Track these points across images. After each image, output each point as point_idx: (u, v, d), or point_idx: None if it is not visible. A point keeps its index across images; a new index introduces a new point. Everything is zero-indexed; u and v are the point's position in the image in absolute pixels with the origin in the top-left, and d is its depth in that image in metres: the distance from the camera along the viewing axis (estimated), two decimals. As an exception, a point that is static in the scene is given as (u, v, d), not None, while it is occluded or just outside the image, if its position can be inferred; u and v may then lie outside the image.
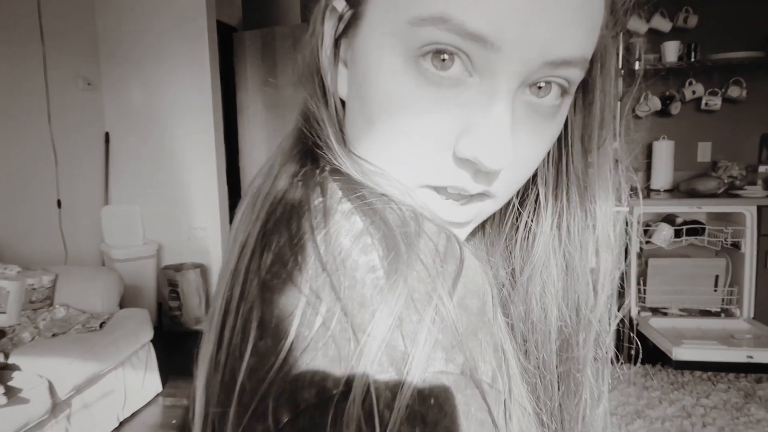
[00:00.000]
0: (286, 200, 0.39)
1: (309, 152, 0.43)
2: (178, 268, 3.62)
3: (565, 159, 0.48)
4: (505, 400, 0.35)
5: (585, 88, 0.45)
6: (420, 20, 0.35)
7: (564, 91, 0.40)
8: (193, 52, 3.67)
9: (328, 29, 0.43)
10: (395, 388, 0.31)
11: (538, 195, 0.49)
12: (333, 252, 0.34)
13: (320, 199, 0.38)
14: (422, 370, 0.31)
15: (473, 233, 0.53)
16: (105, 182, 3.76)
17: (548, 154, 0.47)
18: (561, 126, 0.42)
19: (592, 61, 0.42)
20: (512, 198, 0.48)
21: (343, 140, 0.44)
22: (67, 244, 3.32)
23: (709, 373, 2.81)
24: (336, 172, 0.41)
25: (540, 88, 0.38)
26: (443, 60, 0.36)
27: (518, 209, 0.50)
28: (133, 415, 2.60)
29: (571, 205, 0.48)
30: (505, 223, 0.52)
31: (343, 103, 0.45)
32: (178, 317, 3.57)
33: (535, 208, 0.49)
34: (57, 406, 2.11)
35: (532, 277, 0.49)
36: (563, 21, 0.35)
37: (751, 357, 2.55)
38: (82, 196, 3.52)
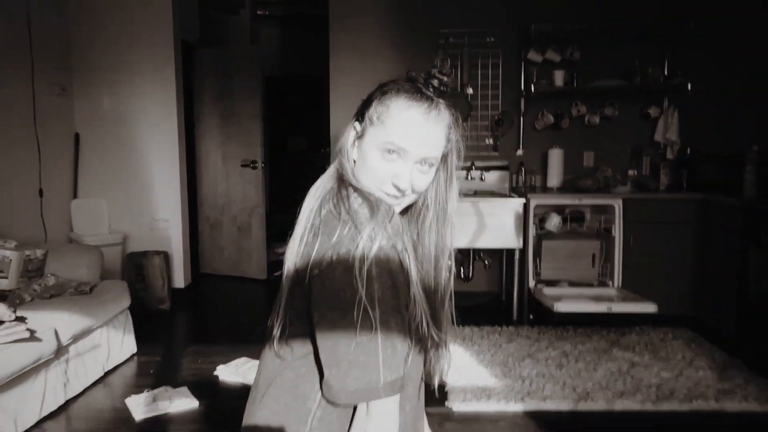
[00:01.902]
0: (331, 191, 1.02)
1: (340, 177, 1.06)
2: (143, 254, 4.06)
3: (435, 186, 1.10)
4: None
5: (444, 160, 1.09)
6: (384, 141, 1.01)
7: (432, 164, 1.04)
8: (158, 63, 4.18)
9: (352, 136, 1.07)
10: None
11: (426, 199, 1.11)
12: (350, 209, 0.96)
13: (345, 192, 1.01)
14: (378, 245, 0.93)
15: (402, 213, 1.14)
16: (74, 178, 4.16)
17: (431, 183, 1.09)
18: (433, 175, 1.06)
19: (445, 154, 1.08)
20: (417, 199, 1.10)
21: (353, 175, 1.06)
22: (47, 230, 3.72)
23: (586, 328, 3.56)
24: (350, 185, 1.03)
25: (423, 164, 1.03)
26: (390, 152, 1.01)
27: (420, 204, 1.12)
28: (115, 368, 3.05)
29: (439, 205, 1.10)
30: (414, 210, 1.14)
31: (355, 162, 1.08)
32: (143, 298, 4.00)
33: (425, 204, 1.12)
34: (60, 350, 2.56)
35: (422, 235, 1.11)
36: (431, 143, 1.02)
37: (610, 308, 3.31)
38: (58, 188, 3.92)
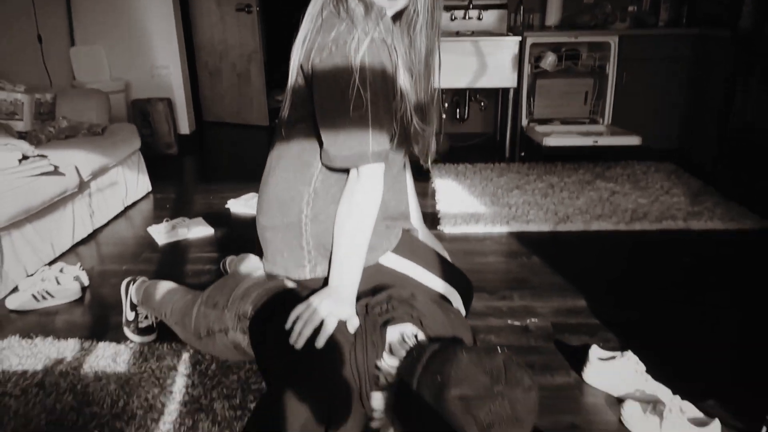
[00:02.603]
0: None
1: None
2: (147, 101, 4.16)
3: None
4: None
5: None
6: None
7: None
8: None
9: None
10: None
11: (417, 5, 1.17)
12: (348, 8, 1.07)
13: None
14: (371, 38, 1.05)
15: (394, 19, 1.20)
16: (69, 24, 4.14)
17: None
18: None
19: None
20: (408, 5, 1.16)
21: None
22: (51, 77, 3.79)
23: (574, 163, 3.75)
24: None
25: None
26: None
27: (411, 11, 1.19)
28: (134, 204, 3.30)
29: (428, 12, 1.18)
30: (405, 17, 1.20)
31: None
32: (151, 144, 4.17)
33: (416, 10, 1.18)
34: (82, 185, 2.77)
35: (413, 38, 1.20)
36: None
37: (596, 141, 3.48)
38: (56, 35, 3.93)
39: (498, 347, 0.94)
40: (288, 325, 1.09)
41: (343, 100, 1.05)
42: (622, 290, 2.25)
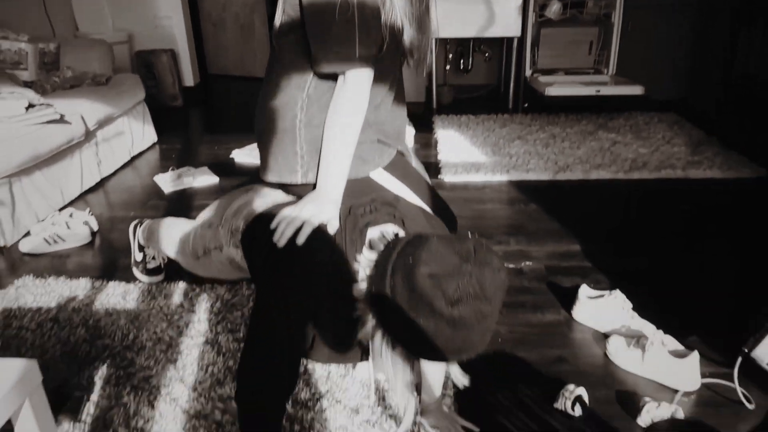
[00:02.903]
0: None
1: None
2: (151, 52, 4.16)
3: None
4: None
5: None
6: None
7: None
8: None
9: None
10: None
11: None
12: None
13: None
14: None
15: None
16: (69, -27, 4.10)
17: None
18: None
19: None
20: None
21: None
22: (54, 28, 3.79)
23: (576, 114, 3.75)
24: None
25: None
26: None
27: None
28: (140, 154, 3.36)
29: None
30: None
31: None
32: (155, 95, 4.19)
33: None
34: (88, 135, 2.82)
35: None
36: None
37: (599, 90, 3.47)
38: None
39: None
40: (273, 226, 1.13)
41: (328, 4, 1.08)
42: (618, 237, 2.30)
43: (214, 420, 1.37)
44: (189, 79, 4.56)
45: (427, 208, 1.43)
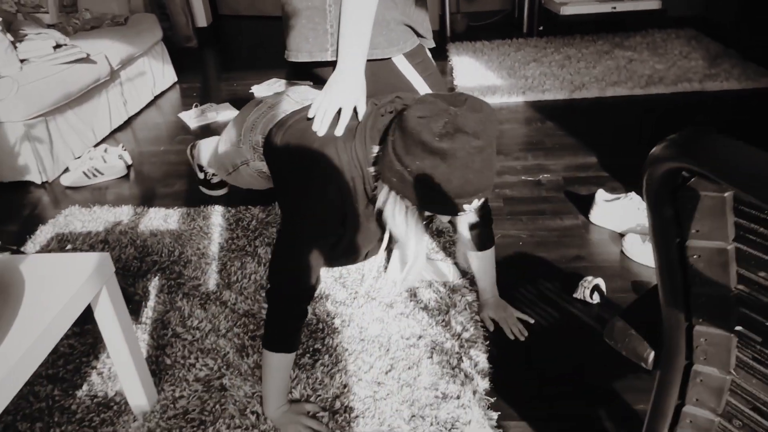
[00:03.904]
0: None
1: None
2: (163, -8, 4.16)
3: None
4: None
5: None
6: None
7: None
8: None
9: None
10: None
11: None
12: None
13: None
14: None
15: None
16: None
17: None
18: None
19: None
20: None
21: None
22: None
23: (592, 34, 3.73)
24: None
25: None
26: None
27: None
28: (162, 93, 3.43)
29: None
30: None
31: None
32: (171, 37, 4.22)
33: None
34: (113, 74, 2.90)
35: None
36: None
37: (615, 8, 3.44)
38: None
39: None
40: (310, 115, 1.21)
41: None
42: (634, 149, 2.36)
43: (261, 317, 1.51)
44: (201, 20, 4.57)
45: None
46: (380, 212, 1.12)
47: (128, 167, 2.47)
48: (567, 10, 3.47)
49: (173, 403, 1.27)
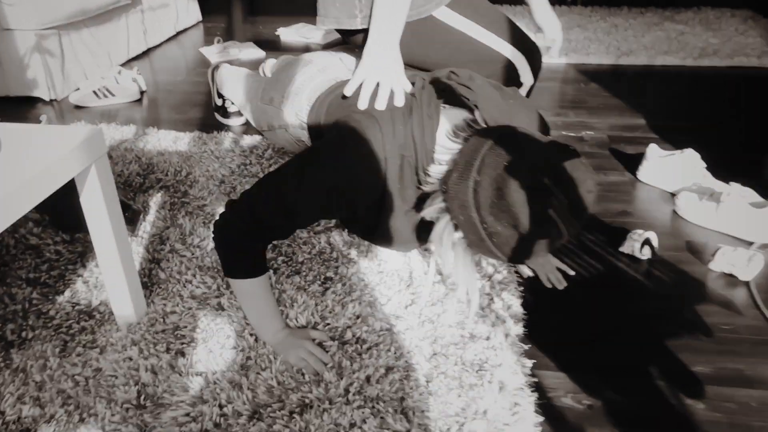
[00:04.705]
0: None
1: None
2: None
3: None
4: None
5: None
6: None
7: None
8: None
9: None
10: None
11: None
12: None
13: None
14: None
15: None
16: None
17: None
18: None
19: None
20: None
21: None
22: None
23: (640, 7, 3.51)
24: None
25: None
26: None
27: None
28: (185, 30, 3.28)
29: None
30: None
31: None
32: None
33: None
34: (134, 0, 2.75)
35: None
36: None
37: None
38: None
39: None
40: (347, 92, 1.11)
41: None
42: (688, 113, 2.16)
43: (270, 241, 1.36)
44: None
45: (505, 46, 1.33)
46: (423, 224, 1.03)
47: (142, 93, 2.33)
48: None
49: (163, 317, 1.12)
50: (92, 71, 2.42)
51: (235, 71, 1.83)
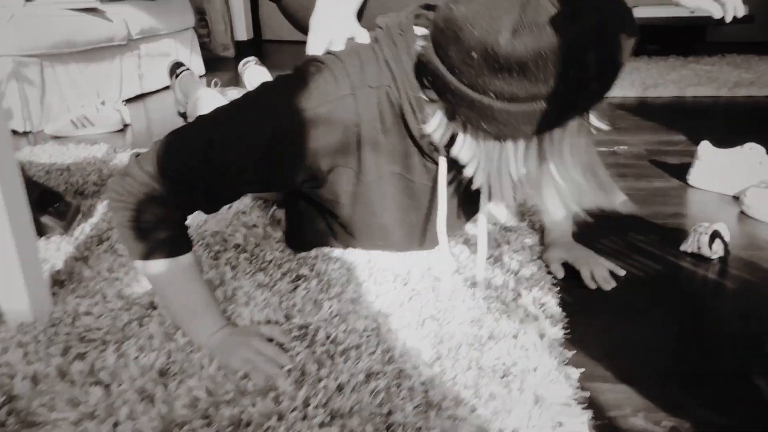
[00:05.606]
0: None
1: None
2: (204, -2, 4.03)
3: None
4: None
5: None
6: None
7: None
8: None
9: None
10: None
11: None
12: None
13: None
14: None
15: None
16: None
17: None
18: None
19: None
20: None
21: None
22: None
23: (664, 56, 3.35)
24: None
25: None
26: None
27: None
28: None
29: None
30: None
31: None
32: (207, 44, 4.04)
33: None
34: (131, 43, 2.65)
35: None
36: None
37: (693, 12, 3.06)
38: None
39: None
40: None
41: None
42: (732, 137, 1.90)
43: (227, 235, 1.08)
44: (242, 33, 4.41)
45: None
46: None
47: (125, 126, 2.14)
48: (637, 13, 3.12)
49: (73, 318, 0.83)
50: (76, 106, 2.26)
51: (212, 97, 1.65)
